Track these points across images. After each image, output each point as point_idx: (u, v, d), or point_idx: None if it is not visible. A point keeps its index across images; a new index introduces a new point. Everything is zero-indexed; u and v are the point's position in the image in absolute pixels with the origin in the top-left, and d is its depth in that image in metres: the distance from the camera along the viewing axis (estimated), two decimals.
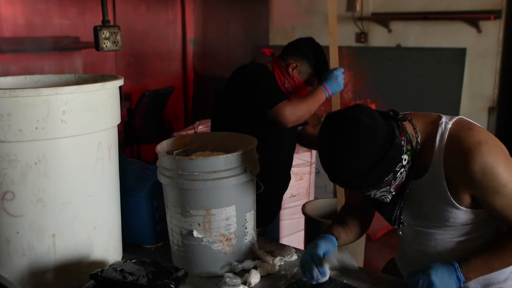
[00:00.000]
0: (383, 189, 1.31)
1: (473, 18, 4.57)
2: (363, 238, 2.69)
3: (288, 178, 2.37)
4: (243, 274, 1.49)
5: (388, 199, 1.35)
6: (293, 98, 2.08)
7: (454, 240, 1.43)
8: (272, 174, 2.10)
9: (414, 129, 1.36)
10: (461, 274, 1.31)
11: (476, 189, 1.30)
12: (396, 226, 1.45)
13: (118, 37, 2.30)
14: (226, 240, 1.51)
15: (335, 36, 2.26)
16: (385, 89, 4.85)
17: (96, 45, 2.28)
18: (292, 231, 3.49)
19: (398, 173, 1.29)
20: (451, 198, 1.34)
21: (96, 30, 2.25)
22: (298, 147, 3.23)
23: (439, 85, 4.72)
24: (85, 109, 1.37)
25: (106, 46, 2.27)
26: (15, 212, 1.34)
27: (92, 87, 1.38)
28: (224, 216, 1.48)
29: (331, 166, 1.27)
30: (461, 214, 1.37)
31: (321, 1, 5.37)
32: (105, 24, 2.29)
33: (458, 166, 1.30)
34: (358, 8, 5.07)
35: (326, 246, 1.43)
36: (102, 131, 1.44)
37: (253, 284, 1.46)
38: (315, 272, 1.39)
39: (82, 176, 1.40)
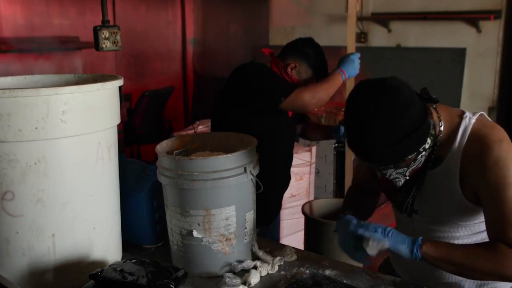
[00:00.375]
0: (400, 170, 1.31)
1: (473, 18, 4.57)
2: None
3: (288, 178, 2.37)
4: (242, 274, 1.49)
5: (400, 183, 1.34)
6: (309, 84, 2.09)
7: (451, 241, 1.43)
8: (272, 174, 2.10)
9: (439, 117, 1.36)
10: (420, 239, 1.28)
11: (483, 183, 1.29)
12: (406, 215, 1.44)
13: (118, 37, 2.30)
14: (226, 240, 1.51)
15: (354, 19, 2.21)
16: None
17: (96, 45, 2.28)
18: (292, 231, 3.49)
19: (419, 156, 1.29)
20: (460, 191, 1.34)
21: (96, 30, 2.25)
22: (298, 147, 3.23)
23: (439, 85, 4.72)
24: (84, 109, 1.37)
25: (106, 46, 2.27)
26: (14, 212, 1.34)
27: (92, 87, 1.38)
28: (223, 216, 1.48)
29: (360, 132, 1.24)
30: (467, 210, 1.37)
31: (321, 1, 5.37)
32: (104, 24, 2.29)
33: (475, 159, 1.31)
34: (358, 8, 5.07)
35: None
36: (101, 131, 1.43)
37: (252, 284, 1.46)
38: (358, 251, 1.37)
39: (82, 176, 1.40)
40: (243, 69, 2.13)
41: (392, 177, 1.33)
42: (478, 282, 1.45)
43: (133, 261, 1.36)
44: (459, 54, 4.68)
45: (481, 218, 1.39)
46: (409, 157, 1.27)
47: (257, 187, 1.57)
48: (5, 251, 1.37)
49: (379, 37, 5.14)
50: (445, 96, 4.69)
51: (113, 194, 1.54)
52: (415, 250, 1.27)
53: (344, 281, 1.46)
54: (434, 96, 1.32)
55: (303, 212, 2.82)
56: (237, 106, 2.09)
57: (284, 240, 3.16)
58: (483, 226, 1.40)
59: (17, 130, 1.28)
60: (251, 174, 1.51)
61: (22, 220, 1.34)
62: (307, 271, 1.52)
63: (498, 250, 1.25)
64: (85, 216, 1.42)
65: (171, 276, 1.30)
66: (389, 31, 5.08)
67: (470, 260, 1.27)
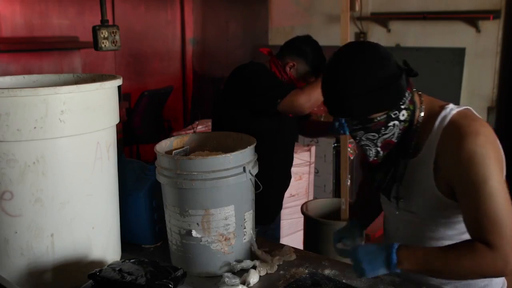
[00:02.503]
0: (370, 136, 1.31)
1: (472, 18, 4.57)
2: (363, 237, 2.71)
3: (288, 178, 2.37)
4: (242, 274, 1.49)
5: (371, 153, 1.34)
6: (304, 86, 2.10)
7: (434, 233, 1.41)
8: (271, 174, 2.10)
9: (421, 102, 1.37)
10: (395, 255, 1.26)
11: (458, 177, 1.26)
12: (386, 198, 1.43)
13: (117, 37, 2.29)
14: (225, 240, 1.51)
15: (347, 16, 2.24)
16: None
17: (95, 44, 2.27)
18: (291, 231, 3.48)
19: (391, 123, 1.30)
20: (434, 182, 1.32)
21: (95, 30, 2.25)
22: (297, 147, 3.23)
23: (438, 85, 4.71)
24: (83, 108, 1.36)
25: (105, 45, 2.26)
26: (13, 212, 1.33)
27: (91, 86, 1.38)
28: (223, 216, 1.48)
29: (333, 81, 1.28)
30: (442, 204, 1.34)
31: (320, 1, 5.37)
32: (103, 23, 2.29)
33: (449, 150, 1.28)
34: (357, 8, 5.04)
35: (350, 232, 1.54)
36: (100, 130, 1.43)
37: (252, 284, 1.46)
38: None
39: (81, 176, 1.40)
40: (243, 69, 2.13)
41: (362, 143, 1.33)
42: (459, 285, 1.42)
43: (132, 261, 1.36)
44: (458, 54, 4.68)
45: (447, 214, 1.37)
46: (379, 118, 1.28)
47: (256, 186, 1.57)
48: (4, 251, 1.37)
49: (378, 37, 5.13)
50: (444, 96, 4.68)
51: (112, 194, 1.54)
52: (392, 268, 1.28)
53: (343, 281, 1.46)
54: (415, 71, 1.33)
55: (303, 212, 2.83)
56: (236, 107, 2.09)
57: (283, 240, 3.16)
58: (447, 226, 1.38)
59: (16, 130, 1.28)
60: (250, 173, 1.51)
61: (21, 220, 1.34)
62: (306, 271, 1.52)
63: (475, 249, 1.22)
64: (84, 216, 1.42)
65: (170, 276, 1.30)
66: (389, 31, 5.08)
67: (448, 266, 1.25)
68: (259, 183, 1.55)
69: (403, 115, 1.31)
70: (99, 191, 1.46)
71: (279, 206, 2.37)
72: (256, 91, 2.05)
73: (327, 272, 1.51)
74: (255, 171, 1.55)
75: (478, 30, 4.60)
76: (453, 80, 4.69)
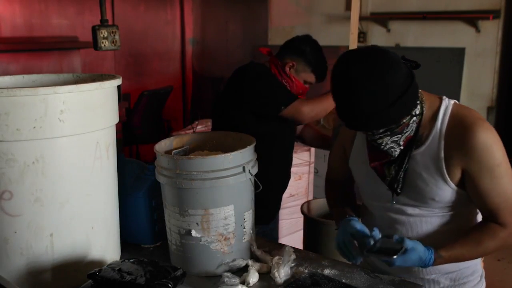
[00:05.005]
0: (395, 138, 1.32)
1: (472, 18, 4.58)
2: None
3: (287, 178, 2.37)
4: (241, 273, 1.49)
5: (396, 153, 1.35)
6: (312, 97, 2.13)
7: (431, 227, 1.44)
8: (271, 174, 2.09)
9: (421, 95, 1.38)
10: (432, 260, 1.33)
11: (471, 163, 1.32)
12: (398, 191, 1.43)
13: (117, 37, 2.29)
14: (225, 239, 1.51)
15: (355, 37, 2.30)
16: None
17: (95, 44, 2.27)
18: (291, 231, 3.48)
19: (411, 121, 1.32)
20: (445, 171, 1.35)
21: (94, 30, 2.24)
22: (297, 147, 3.23)
23: (438, 85, 4.71)
24: (83, 108, 1.36)
25: (105, 45, 2.26)
26: (13, 211, 1.33)
27: (90, 86, 1.37)
28: (222, 216, 1.48)
29: (353, 99, 1.22)
30: (448, 192, 1.37)
31: (320, 0, 5.37)
32: (103, 23, 2.28)
33: (460, 138, 1.32)
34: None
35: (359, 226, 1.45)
36: (100, 130, 1.43)
37: (251, 284, 1.45)
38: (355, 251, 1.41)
39: (80, 176, 1.40)
40: (246, 70, 2.12)
41: (387, 147, 1.34)
42: (452, 277, 1.49)
43: (131, 260, 1.36)
44: (458, 54, 4.68)
45: (453, 203, 1.40)
46: (404, 120, 1.30)
47: (256, 186, 1.57)
48: (3, 251, 1.37)
49: (378, 37, 5.13)
50: (444, 96, 4.70)
51: (112, 194, 1.54)
52: (428, 263, 1.34)
53: (343, 281, 1.46)
54: (415, 62, 1.34)
55: (302, 212, 2.83)
56: (238, 107, 2.09)
57: (283, 240, 3.16)
58: (450, 216, 1.42)
59: (15, 130, 1.28)
60: (250, 173, 1.51)
61: (20, 220, 1.34)
62: (306, 271, 1.52)
63: (494, 233, 1.35)
64: (83, 215, 1.42)
65: (170, 276, 1.30)
66: (388, 30, 5.08)
67: (474, 253, 1.39)
68: (259, 183, 1.55)
69: (418, 109, 1.34)
70: (98, 191, 1.46)
71: (277, 206, 2.37)
72: (261, 94, 2.05)
73: (326, 272, 1.51)
74: (254, 170, 1.54)
75: (477, 30, 4.60)
76: (453, 80, 4.69)
